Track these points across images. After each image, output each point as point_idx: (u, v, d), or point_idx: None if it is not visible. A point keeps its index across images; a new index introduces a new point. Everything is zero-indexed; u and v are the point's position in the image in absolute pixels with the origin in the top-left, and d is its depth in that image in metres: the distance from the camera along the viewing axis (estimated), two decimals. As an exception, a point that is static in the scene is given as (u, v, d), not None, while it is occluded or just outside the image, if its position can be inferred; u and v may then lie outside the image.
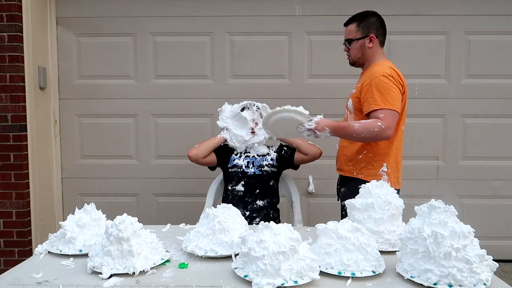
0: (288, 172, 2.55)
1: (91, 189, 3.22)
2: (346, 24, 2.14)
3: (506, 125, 3.11)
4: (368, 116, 1.95)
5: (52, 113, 3.15)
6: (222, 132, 2.43)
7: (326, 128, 1.88)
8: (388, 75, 1.95)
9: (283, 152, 2.41)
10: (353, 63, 2.16)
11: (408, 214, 1.48)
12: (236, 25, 3.11)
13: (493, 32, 3.05)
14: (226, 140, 2.40)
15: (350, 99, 2.09)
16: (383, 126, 1.87)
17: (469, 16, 3.05)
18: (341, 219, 1.91)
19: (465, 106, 3.11)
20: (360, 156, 2.05)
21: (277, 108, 1.86)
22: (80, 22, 3.13)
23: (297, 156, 2.37)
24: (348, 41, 2.11)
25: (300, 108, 1.86)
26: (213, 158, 2.40)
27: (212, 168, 2.46)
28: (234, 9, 3.10)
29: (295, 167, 2.46)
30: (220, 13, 3.10)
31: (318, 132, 1.87)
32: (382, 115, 1.89)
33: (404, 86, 2.01)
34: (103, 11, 3.11)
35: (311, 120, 1.86)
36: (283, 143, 2.42)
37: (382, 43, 2.11)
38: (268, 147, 2.44)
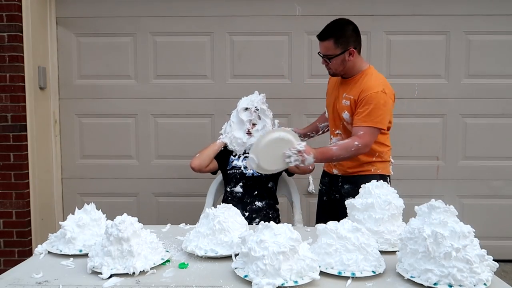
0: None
1: (91, 189, 3.22)
2: (321, 39, 2.07)
3: (506, 125, 3.11)
4: (352, 127, 2.06)
5: (52, 113, 3.15)
6: (220, 137, 2.42)
7: (311, 153, 1.95)
8: (383, 91, 2.00)
9: None
10: (334, 75, 2.19)
11: (408, 214, 1.49)
12: (236, 25, 3.11)
13: (493, 32, 3.05)
14: (226, 144, 2.40)
15: (345, 112, 2.11)
16: (359, 145, 1.98)
17: (469, 16, 3.05)
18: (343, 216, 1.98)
19: (465, 106, 3.11)
20: (367, 157, 2.13)
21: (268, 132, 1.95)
22: (80, 22, 3.13)
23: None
24: (327, 57, 2.07)
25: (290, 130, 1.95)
26: (214, 164, 2.40)
27: (214, 172, 2.47)
28: (234, 9, 3.09)
29: (289, 174, 2.48)
30: (220, 13, 3.10)
31: (305, 155, 1.94)
32: (361, 133, 1.99)
33: (393, 96, 2.11)
34: (103, 11, 3.11)
35: (300, 143, 1.95)
36: None
37: (360, 51, 2.11)
38: None
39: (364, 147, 2.00)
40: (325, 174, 2.35)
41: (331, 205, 2.29)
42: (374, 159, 2.13)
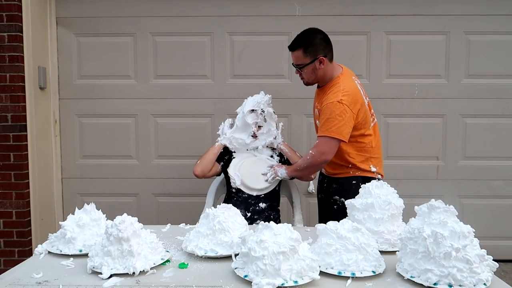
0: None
1: (91, 189, 3.22)
2: (291, 49, 2.13)
3: (506, 125, 3.11)
4: None
5: (52, 113, 3.15)
6: (218, 139, 2.41)
7: (283, 166, 2.31)
8: (340, 101, 2.02)
9: (283, 160, 2.41)
10: (307, 84, 2.22)
11: (408, 214, 1.49)
12: (236, 25, 3.11)
13: (493, 32, 3.05)
14: (224, 146, 2.39)
15: (317, 121, 2.19)
16: (313, 153, 2.10)
17: (469, 16, 3.05)
18: (333, 212, 2.13)
19: (465, 106, 3.10)
20: (341, 161, 2.18)
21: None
22: (80, 22, 3.13)
23: None
24: (298, 66, 2.14)
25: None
26: (217, 167, 2.39)
27: (219, 174, 2.46)
28: (234, 9, 3.09)
29: (290, 178, 2.47)
30: (220, 13, 3.10)
31: (276, 168, 2.30)
32: (317, 142, 2.11)
33: (358, 103, 2.07)
34: (103, 11, 3.11)
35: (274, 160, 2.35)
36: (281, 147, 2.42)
37: (331, 59, 2.14)
38: (272, 149, 2.43)
39: (319, 155, 2.09)
40: (320, 173, 2.41)
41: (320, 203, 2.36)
42: (350, 165, 2.17)
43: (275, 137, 2.39)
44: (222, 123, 2.47)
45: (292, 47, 2.13)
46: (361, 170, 2.16)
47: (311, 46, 2.09)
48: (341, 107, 2.01)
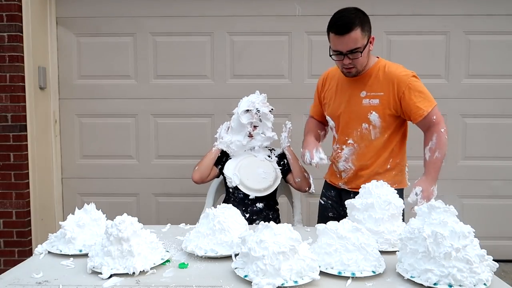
0: (288, 172, 2.54)
1: (91, 189, 3.22)
2: (347, 31, 1.70)
3: (506, 125, 3.11)
4: (419, 123, 1.91)
5: (52, 113, 3.15)
6: (215, 143, 2.39)
7: (431, 185, 1.84)
8: (413, 75, 1.84)
9: (282, 162, 2.38)
10: (356, 74, 1.84)
11: (408, 214, 1.48)
12: (236, 25, 3.11)
13: (493, 32, 3.05)
14: (221, 150, 2.38)
15: (373, 112, 1.85)
16: (444, 132, 1.89)
17: (469, 16, 3.05)
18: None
19: (465, 106, 3.11)
20: (389, 166, 1.97)
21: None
22: (80, 22, 3.13)
23: (288, 177, 2.35)
24: (357, 50, 1.74)
25: None
26: (215, 171, 2.37)
27: (217, 177, 2.46)
28: (234, 9, 3.10)
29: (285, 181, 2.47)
30: (220, 13, 3.10)
31: (428, 193, 1.78)
32: (434, 118, 1.85)
33: None
34: (103, 11, 3.11)
35: (415, 190, 1.77)
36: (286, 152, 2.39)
37: None
38: (270, 150, 2.42)
39: (444, 126, 1.89)
40: (330, 187, 2.10)
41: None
42: (394, 173, 1.96)
43: (281, 141, 2.36)
44: (221, 125, 2.45)
45: (348, 28, 1.69)
46: (401, 174, 1.99)
47: (367, 22, 1.75)
48: (417, 78, 1.83)
